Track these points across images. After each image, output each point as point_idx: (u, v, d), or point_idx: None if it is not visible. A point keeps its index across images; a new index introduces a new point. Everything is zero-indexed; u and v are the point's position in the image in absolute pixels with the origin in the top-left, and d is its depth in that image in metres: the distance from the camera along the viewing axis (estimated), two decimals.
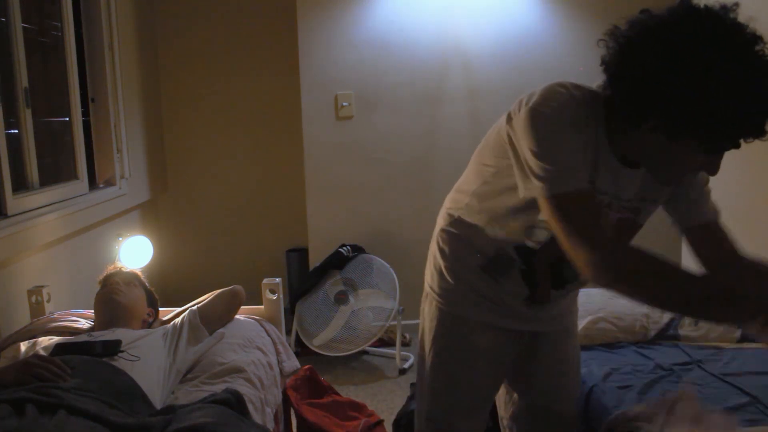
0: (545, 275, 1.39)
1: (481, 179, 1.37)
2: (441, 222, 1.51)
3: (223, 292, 2.10)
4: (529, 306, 1.43)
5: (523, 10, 3.48)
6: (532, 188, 1.19)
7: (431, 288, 1.52)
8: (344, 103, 3.52)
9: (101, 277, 2.08)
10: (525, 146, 1.19)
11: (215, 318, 2.02)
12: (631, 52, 1.11)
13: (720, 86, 1.03)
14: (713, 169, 1.16)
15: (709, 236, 1.33)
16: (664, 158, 1.17)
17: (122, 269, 2.12)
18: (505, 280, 1.41)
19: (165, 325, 1.96)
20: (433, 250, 1.52)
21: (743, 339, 2.23)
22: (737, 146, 1.10)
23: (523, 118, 1.19)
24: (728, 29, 1.05)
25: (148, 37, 3.70)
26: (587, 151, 1.20)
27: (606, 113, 1.20)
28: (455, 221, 1.45)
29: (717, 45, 1.04)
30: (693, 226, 1.35)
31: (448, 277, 1.46)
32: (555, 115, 1.17)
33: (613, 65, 1.14)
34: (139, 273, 2.15)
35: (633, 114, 1.13)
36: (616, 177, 1.25)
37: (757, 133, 1.06)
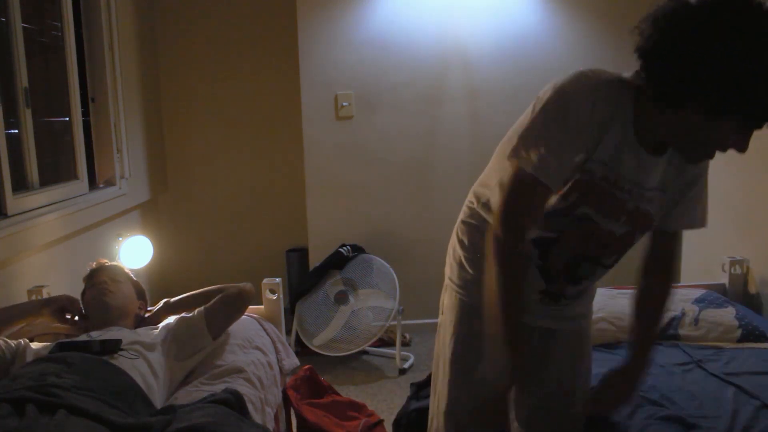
0: (560, 269, 1.40)
1: (503, 173, 1.36)
2: (461, 215, 1.52)
3: (228, 294, 2.01)
4: (544, 301, 1.44)
5: (523, 10, 3.48)
6: (518, 153, 1.24)
7: (451, 279, 1.53)
8: (344, 103, 3.52)
9: (85, 274, 2.03)
10: (539, 114, 1.23)
11: (221, 320, 1.97)
12: (672, 34, 1.10)
13: (763, 62, 1.03)
14: (743, 146, 1.16)
15: (669, 239, 1.42)
16: (696, 139, 1.17)
17: (105, 264, 2.07)
18: None
19: (166, 325, 1.95)
20: (453, 242, 1.54)
21: (743, 339, 2.23)
22: None
23: (548, 92, 1.22)
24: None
25: (148, 37, 3.70)
26: (608, 138, 1.22)
27: (634, 100, 1.22)
28: (475, 213, 1.46)
29: (760, 20, 1.04)
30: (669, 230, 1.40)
31: (468, 268, 1.47)
32: (576, 99, 1.20)
33: (651, 50, 1.13)
34: (123, 265, 2.12)
35: (673, 97, 1.13)
36: (639, 163, 1.26)
37: None
